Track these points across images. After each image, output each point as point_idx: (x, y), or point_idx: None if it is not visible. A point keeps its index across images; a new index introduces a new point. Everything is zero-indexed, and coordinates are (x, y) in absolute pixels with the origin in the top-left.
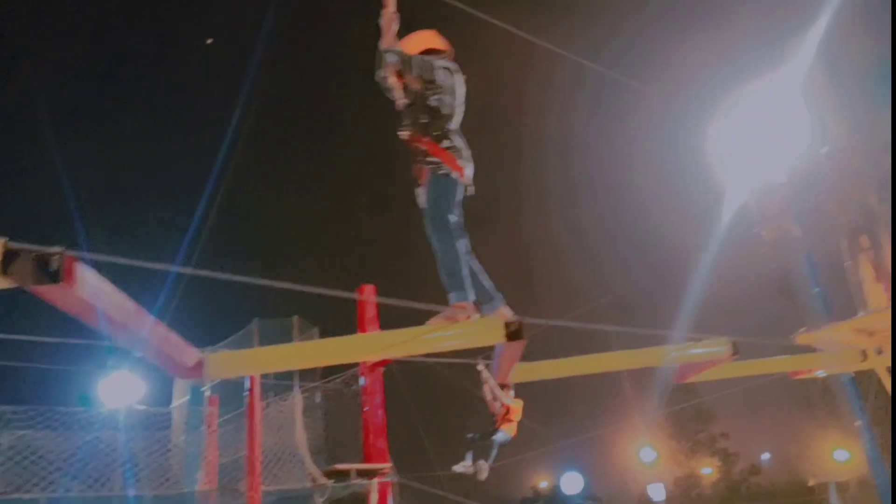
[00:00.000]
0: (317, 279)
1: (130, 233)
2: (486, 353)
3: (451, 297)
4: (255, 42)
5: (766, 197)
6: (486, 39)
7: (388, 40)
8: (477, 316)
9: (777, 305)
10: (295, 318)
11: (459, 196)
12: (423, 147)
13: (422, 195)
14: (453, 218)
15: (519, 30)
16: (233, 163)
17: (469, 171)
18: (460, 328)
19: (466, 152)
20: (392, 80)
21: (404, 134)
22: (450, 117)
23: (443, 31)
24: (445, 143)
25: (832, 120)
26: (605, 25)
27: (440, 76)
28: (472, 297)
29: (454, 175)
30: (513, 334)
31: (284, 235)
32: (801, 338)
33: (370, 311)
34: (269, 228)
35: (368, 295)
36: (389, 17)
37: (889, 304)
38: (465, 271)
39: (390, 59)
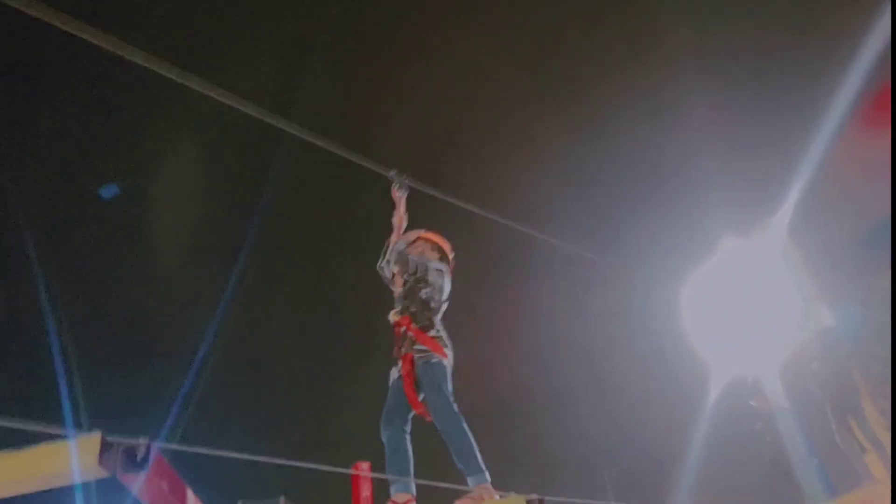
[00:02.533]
0: (308, 454)
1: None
2: None
3: (471, 480)
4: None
5: (757, 374)
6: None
7: (395, 237)
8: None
9: (773, 483)
10: (281, 500)
11: (448, 380)
12: (411, 334)
13: (395, 374)
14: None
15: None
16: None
17: (451, 356)
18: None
19: (447, 340)
20: (390, 271)
21: (395, 317)
22: (437, 310)
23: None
24: (432, 333)
25: (814, 297)
26: (569, 199)
27: (432, 276)
28: (489, 477)
29: (443, 361)
30: None
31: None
32: None
33: (365, 490)
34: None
35: (364, 471)
36: (400, 218)
37: (886, 475)
38: (477, 452)
39: (393, 256)
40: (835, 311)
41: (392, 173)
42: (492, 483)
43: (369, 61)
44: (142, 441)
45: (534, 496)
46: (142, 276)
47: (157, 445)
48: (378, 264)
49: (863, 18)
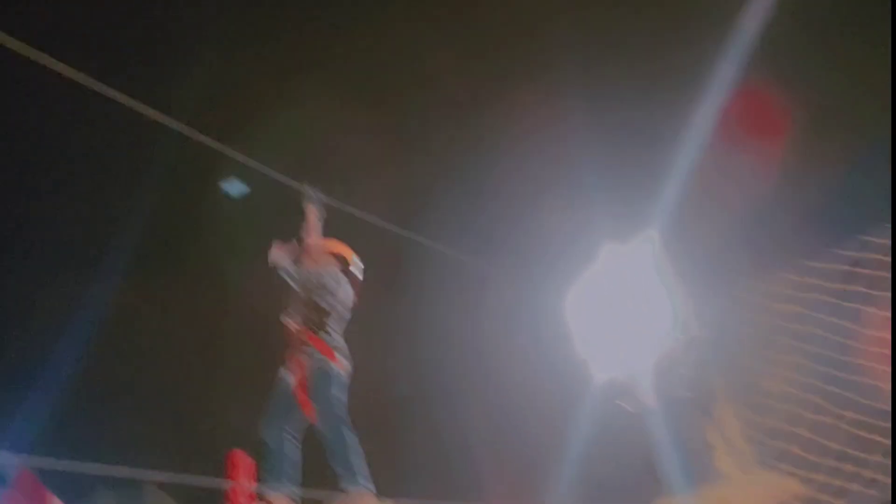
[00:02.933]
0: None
1: None
2: None
3: (350, 487)
4: None
5: (628, 375)
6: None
7: (284, 255)
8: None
9: (640, 477)
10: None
11: (344, 388)
12: (306, 339)
13: (286, 377)
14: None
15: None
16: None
17: (347, 366)
18: None
19: (345, 350)
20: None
21: (288, 321)
22: (335, 318)
23: None
24: (328, 339)
25: (682, 304)
26: (446, 205)
27: (329, 283)
28: (373, 488)
29: (340, 371)
30: None
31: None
32: None
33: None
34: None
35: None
36: (310, 229)
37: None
38: (362, 460)
39: (282, 272)
40: (699, 319)
41: (304, 185)
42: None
43: (259, 64)
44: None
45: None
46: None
47: (21, 461)
48: (279, 265)
49: (726, 30)
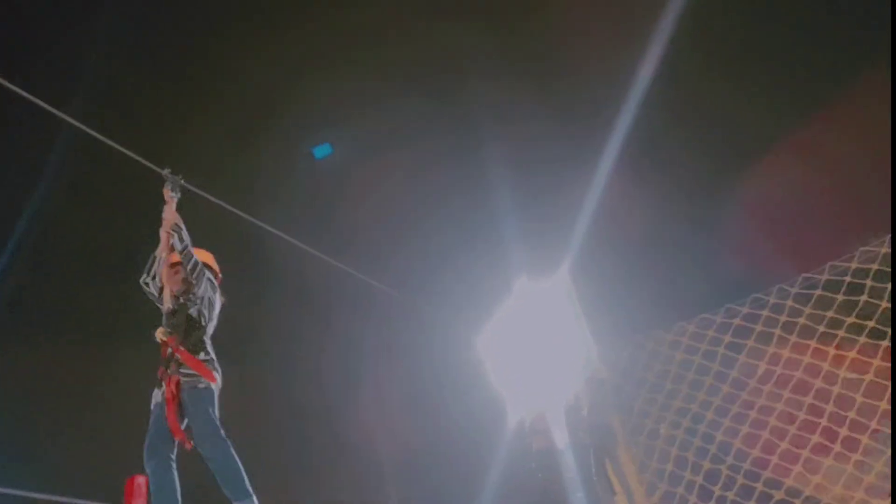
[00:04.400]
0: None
1: None
2: None
3: (253, 500)
4: None
5: (538, 413)
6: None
7: (163, 246)
8: None
9: None
10: None
11: (215, 402)
12: (179, 356)
13: (159, 397)
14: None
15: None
16: None
17: (219, 380)
18: None
19: (216, 363)
20: (156, 286)
21: (162, 336)
22: (205, 329)
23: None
24: (202, 356)
25: (589, 347)
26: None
27: (203, 286)
28: (256, 501)
29: (212, 385)
30: None
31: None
32: None
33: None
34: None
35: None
36: (169, 219)
37: None
38: (245, 477)
39: (176, 241)
40: (604, 362)
41: (166, 171)
42: None
43: (162, 60)
44: None
45: None
46: None
47: None
48: (141, 279)
49: (629, 76)
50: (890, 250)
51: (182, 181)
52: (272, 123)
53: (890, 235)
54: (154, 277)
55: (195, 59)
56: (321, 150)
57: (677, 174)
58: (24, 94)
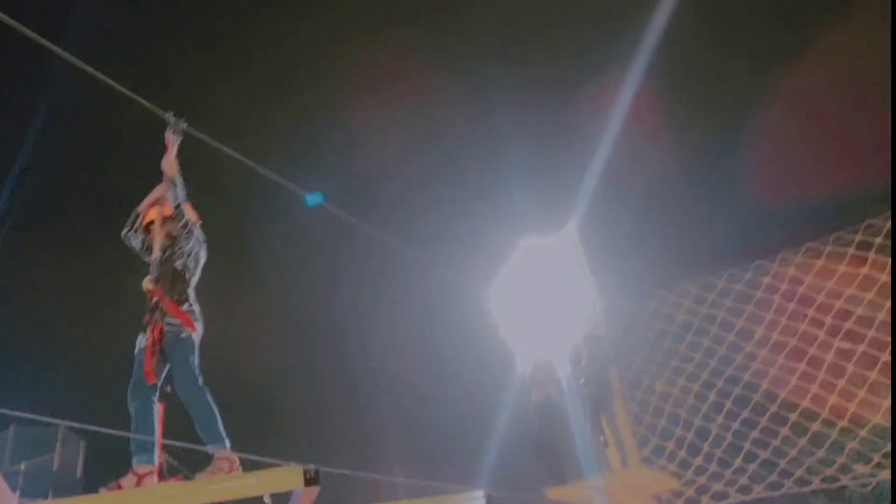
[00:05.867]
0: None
1: None
2: None
3: (210, 447)
4: None
5: (537, 364)
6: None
7: (172, 170)
8: (238, 464)
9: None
10: (61, 428)
11: (195, 351)
12: (164, 306)
13: (143, 342)
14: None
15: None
16: None
17: (201, 329)
18: (256, 477)
19: (199, 314)
20: (138, 240)
21: (149, 285)
22: (190, 282)
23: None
24: (185, 307)
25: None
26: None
27: (192, 241)
28: (228, 444)
29: (193, 335)
30: (310, 481)
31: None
32: (551, 492)
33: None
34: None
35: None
36: (170, 163)
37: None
38: (219, 422)
39: (171, 196)
40: (607, 317)
41: (169, 114)
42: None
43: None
44: None
45: (311, 466)
46: None
47: None
48: (123, 233)
49: (637, 32)
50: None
51: (185, 126)
52: (286, 76)
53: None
54: (136, 231)
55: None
56: (313, 199)
57: (685, 133)
58: (27, 31)
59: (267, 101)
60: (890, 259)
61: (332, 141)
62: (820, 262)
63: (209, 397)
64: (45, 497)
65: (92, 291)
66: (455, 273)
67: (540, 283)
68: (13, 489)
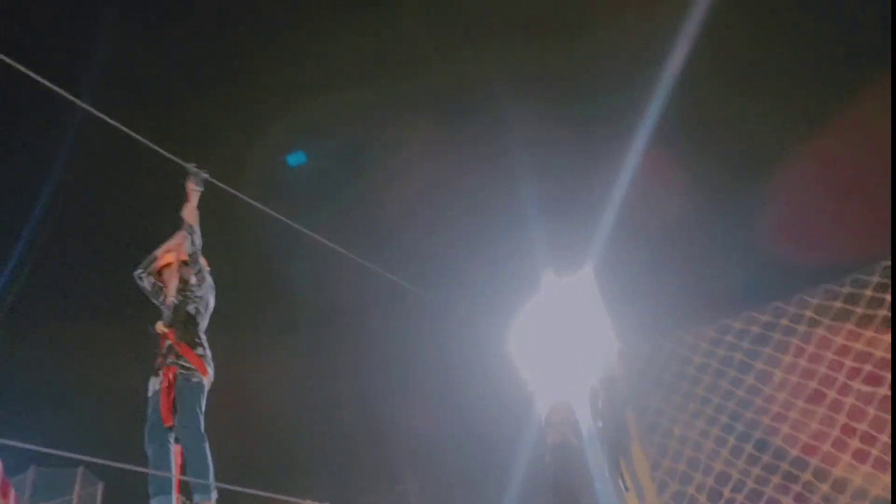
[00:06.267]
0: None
1: None
2: None
3: (196, 497)
4: None
5: (554, 406)
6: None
7: (191, 219)
8: None
9: None
10: (80, 470)
11: (203, 397)
12: (179, 349)
13: (157, 385)
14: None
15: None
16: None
17: (212, 374)
18: None
19: (210, 359)
20: (149, 282)
21: (162, 329)
22: (200, 325)
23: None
24: (199, 351)
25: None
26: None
27: (205, 287)
28: (215, 496)
29: (204, 381)
30: None
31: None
32: None
33: None
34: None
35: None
36: (191, 213)
37: None
38: (211, 474)
39: (188, 244)
40: (623, 359)
41: (191, 165)
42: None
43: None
44: None
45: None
46: None
47: None
48: (136, 272)
49: (653, 73)
50: None
51: (207, 176)
52: (295, 120)
53: None
54: (149, 274)
55: (217, 51)
56: (295, 158)
57: (701, 175)
58: (43, 81)
59: (281, 148)
60: None
61: (349, 190)
62: (838, 304)
63: (207, 446)
64: None
65: (106, 335)
66: (473, 315)
67: (557, 324)
68: None
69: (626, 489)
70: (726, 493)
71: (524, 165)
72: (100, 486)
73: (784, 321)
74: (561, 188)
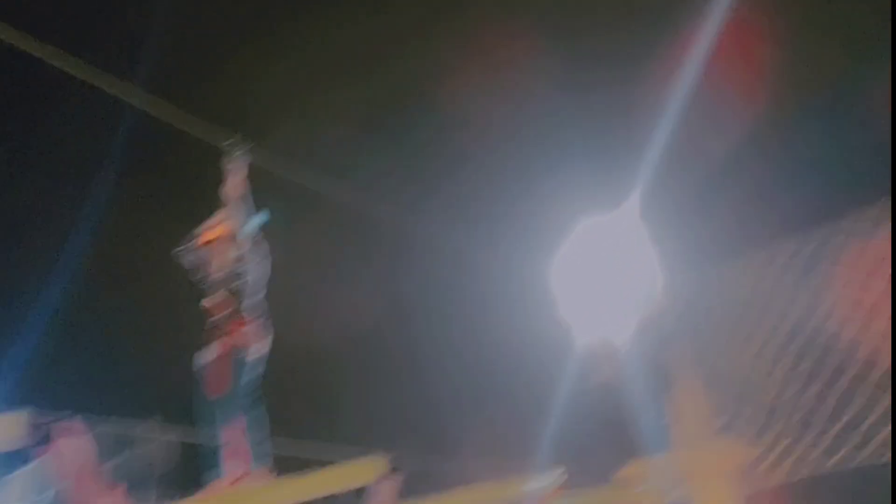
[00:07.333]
0: None
1: None
2: None
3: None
4: None
5: (600, 342)
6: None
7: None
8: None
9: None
10: (148, 424)
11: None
12: (227, 324)
13: (207, 358)
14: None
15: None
16: None
17: (265, 347)
18: (340, 470)
19: (264, 329)
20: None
21: (209, 304)
22: (248, 298)
23: None
24: (248, 324)
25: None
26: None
27: (252, 265)
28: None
29: (253, 350)
30: (394, 470)
31: None
32: (620, 471)
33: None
34: None
35: None
36: (236, 189)
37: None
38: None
39: (241, 215)
40: (670, 292)
41: (232, 141)
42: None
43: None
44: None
45: (392, 456)
46: None
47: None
48: (176, 250)
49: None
50: None
51: (250, 151)
52: (338, 81)
53: None
54: (190, 250)
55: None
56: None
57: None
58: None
59: (329, 113)
60: None
61: (385, 141)
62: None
63: (261, 415)
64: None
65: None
66: (515, 254)
67: (600, 258)
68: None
69: (675, 420)
70: (782, 415)
71: (565, 98)
72: (167, 444)
73: (840, 238)
74: (606, 121)
